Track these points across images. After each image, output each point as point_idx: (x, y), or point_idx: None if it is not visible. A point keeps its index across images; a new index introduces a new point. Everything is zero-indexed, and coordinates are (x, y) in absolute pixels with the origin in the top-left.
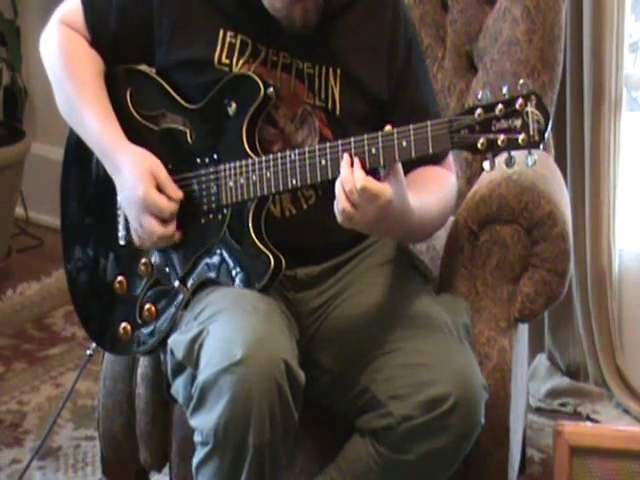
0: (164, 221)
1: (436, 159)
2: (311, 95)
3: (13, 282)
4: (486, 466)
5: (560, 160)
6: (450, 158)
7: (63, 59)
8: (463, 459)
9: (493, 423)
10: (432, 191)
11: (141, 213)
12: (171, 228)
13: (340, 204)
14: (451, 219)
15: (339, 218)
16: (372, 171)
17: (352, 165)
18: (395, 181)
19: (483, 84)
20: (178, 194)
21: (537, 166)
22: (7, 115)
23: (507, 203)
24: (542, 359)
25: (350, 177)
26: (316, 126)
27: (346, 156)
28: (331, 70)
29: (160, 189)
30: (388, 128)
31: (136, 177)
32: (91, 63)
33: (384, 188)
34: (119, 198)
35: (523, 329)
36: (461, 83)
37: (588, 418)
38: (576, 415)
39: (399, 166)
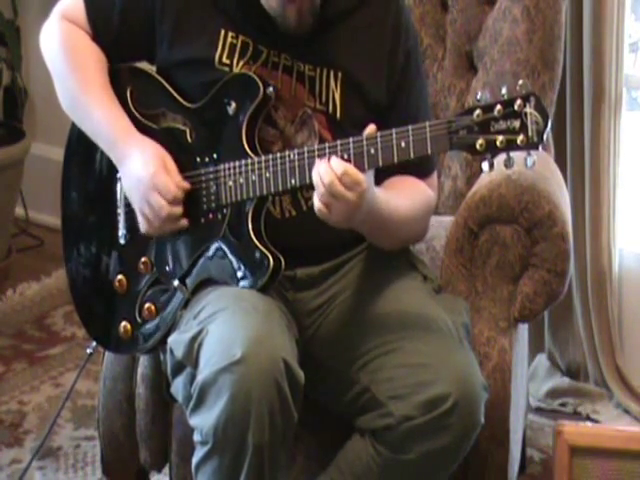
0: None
1: (419, 174)
2: (312, 98)
3: (13, 282)
4: (486, 466)
5: (560, 160)
6: (434, 177)
7: (65, 52)
8: (463, 459)
9: (493, 423)
10: (405, 196)
11: (149, 191)
12: (178, 209)
13: (323, 198)
14: (449, 219)
15: (319, 212)
16: None
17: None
18: (366, 175)
19: (483, 84)
20: (184, 183)
21: (537, 166)
22: (7, 115)
23: (507, 203)
24: (542, 359)
25: (329, 169)
26: (316, 129)
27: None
28: (332, 73)
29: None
30: (372, 129)
31: (147, 159)
32: (94, 56)
33: (361, 175)
34: (124, 184)
35: (523, 329)
36: (461, 83)
37: (588, 418)
38: (576, 415)
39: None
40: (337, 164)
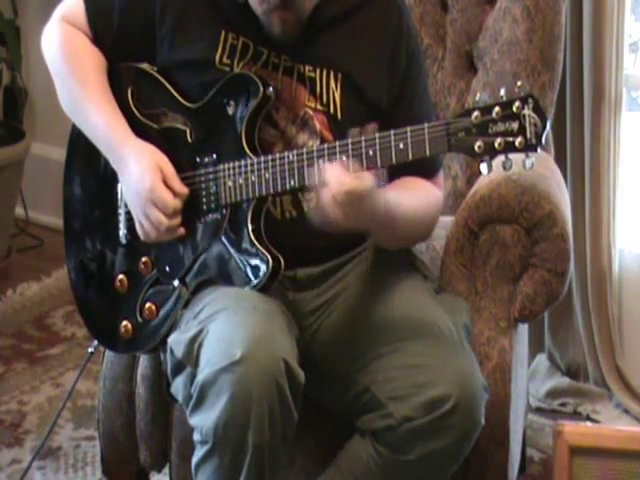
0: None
1: (425, 173)
2: (312, 99)
3: (13, 282)
4: (486, 466)
5: (560, 160)
6: (440, 177)
7: (66, 55)
8: (463, 459)
9: (493, 423)
10: (412, 196)
11: (147, 205)
12: (176, 221)
13: (332, 211)
14: (449, 219)
15: (324, 224)
16: None
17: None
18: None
19: (483, 84)
20: (184, 190)
21: (537, 166)
22: (7, 115)
23: (507, 203)
24: (542, 359)
25: (337, 183)
26: (317, 129)
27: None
28: (332, 73)
29: (166, 184)
30: (373, 127)
31: (144, 169)
32: (94, 58)
33: (366, 186)
34: (123, 191)
35: (523, 329)
36: (461, 83)
37: (588, 418)
38: (576, 415)
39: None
40: (346, 179)
